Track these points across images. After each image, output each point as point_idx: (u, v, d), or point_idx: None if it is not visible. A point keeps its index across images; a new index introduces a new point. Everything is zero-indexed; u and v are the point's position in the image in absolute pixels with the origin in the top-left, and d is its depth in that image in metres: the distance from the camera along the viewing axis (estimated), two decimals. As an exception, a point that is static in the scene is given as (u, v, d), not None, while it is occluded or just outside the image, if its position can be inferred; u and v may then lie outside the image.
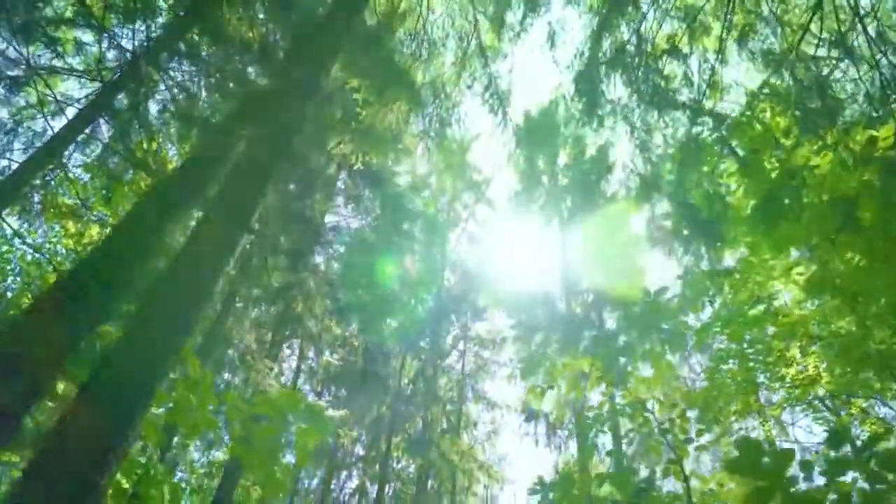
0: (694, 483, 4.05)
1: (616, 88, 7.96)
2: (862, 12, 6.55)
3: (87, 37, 9.99)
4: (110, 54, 9.80)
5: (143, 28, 8.76)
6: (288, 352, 17.76)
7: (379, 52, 7.43)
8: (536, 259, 23.14)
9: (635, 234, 15.15)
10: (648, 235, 14.17)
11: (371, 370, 15.46)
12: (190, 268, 3.24)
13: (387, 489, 16.91)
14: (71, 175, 10.00)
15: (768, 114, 6.17)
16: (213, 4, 7.44)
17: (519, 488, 21.60)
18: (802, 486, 1.94)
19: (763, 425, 9.63)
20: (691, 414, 4.16)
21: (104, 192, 10.61)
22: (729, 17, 7.74)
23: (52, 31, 8.95)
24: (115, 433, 2.53)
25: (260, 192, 3.84)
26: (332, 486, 18.99)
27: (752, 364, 7.99)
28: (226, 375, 13.04)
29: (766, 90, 6.94)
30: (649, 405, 4.13)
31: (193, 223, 4.02)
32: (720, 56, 7.82)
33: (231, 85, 9.07)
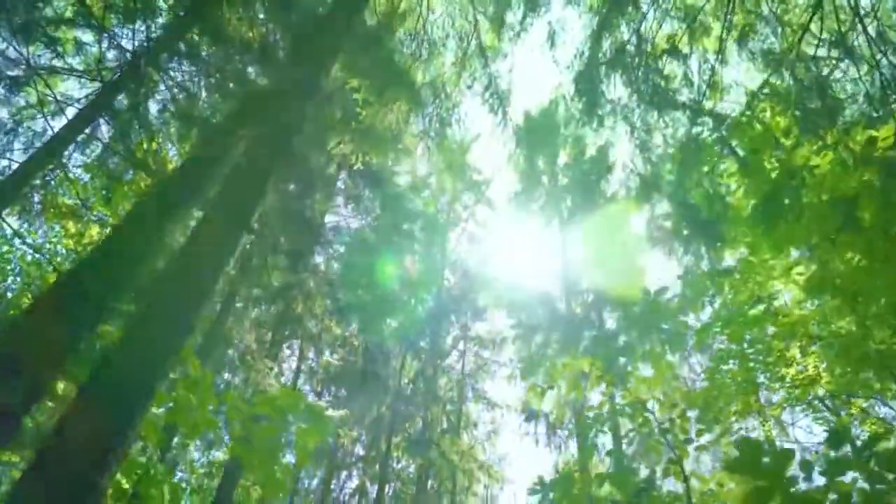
0: (694, 483, 4.04)
1: (616, 88, 7.96)
2: (862, 12, 6.56)
3: (87, 37, 9.98)
4: (110, 54, 9.80)
5: (143, 28, 8.76)
6: (288, 352, 17.76)
7: (379, 52, 7.42)
8: (536, 259, 23.19)
9: (635, 234, 15.15)
10: (648, 235, 14.17)
11: (371, 370, 15.46)
12: (190, 267, 3.23)
13: (387, 489, 16.90)
14: (71, 175, 10.00)
15: (768, 114, 6.17)
16: (213, 4, 7.44)
17: (519, 488, 21.61)
18: (802, 486, 1.94)
19: (763, 425, 9.64)
20: (691, 414, 4.16)
21: (104, 192, 10.61)
22: (729, 17, 7.74)
23: (52, 30, 8.95)
24: (115, 433, 2.53)
25: (260, 191, 3.84)
26: (332, 486, 18.99)
27: (752, 364, 7.99)
28: (226, 375, 13.05)
29: (765, 90, 6.94)
30: (649, 405, 4.13)
31: (193, 223, 4.02)
32: (720, 56, 7.82)
33: (231, 85, 9.07)
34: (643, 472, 4.05)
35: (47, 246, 12.35)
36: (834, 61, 7.03)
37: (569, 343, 13.15)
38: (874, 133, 3.88)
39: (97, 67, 8.88)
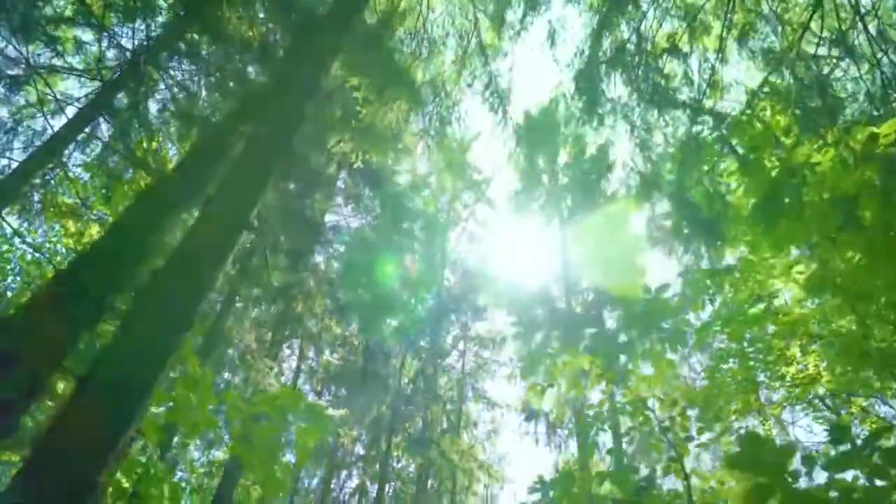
0: (694, 481, 4.04)
1: (616, 87, 7.96)
2: (862, 11, 6.55)
3: (86, 36, 9.99)
4: (110, 53, 9.80)
5: (142, 27, 8.76)
6: (288, 351, 17.77)
7: (379, 51, 7.42)
8: (537, 258, 23.18)
9: (635, 233, 15.15)
10: (648, 235, 14.17)
11: (371, 369, 15.46)
12: (189, 264, 3.22)
13: (387, 489, 16.91)
14: (71, 174, 10.00)
15: (768, 112, 6.17)
16: (212, 3, 7.43)
17: (519, 488, 21.57)
18: (804, 481, 1.94)
19: (763, 424, 9.63)
20: (692, 413, 4.16)
21: (104, 191, 10.61)
22: (729, 15, 7.73)
23: (51, 29, 8.95)
24: (114, 430, 2.52)
25: (260, 188, 3.83)
26: (332, 486, 18.99)
27: (752, 363, 7.99)
28: (226, 375, 13.05)
29: (766, 89, 6.93)
30: (650, 403, 4.13)
31: (193, 220, 4.01)
32: (720, 55, 7.81)
33: (231, 84, 9.07)
34: (643, 471, 4.05)
35: (47, 245, 12.35)
36: (834, 60, 7.02)
37: (569, 341, 13.15)
38: (875, 130, 3.87)
39: (97, 66, 8.88)
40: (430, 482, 17.36)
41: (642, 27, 7.98)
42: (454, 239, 21.15)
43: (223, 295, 11.62)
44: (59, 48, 9.31)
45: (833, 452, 2.23)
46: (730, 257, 8.55)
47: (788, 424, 11.44)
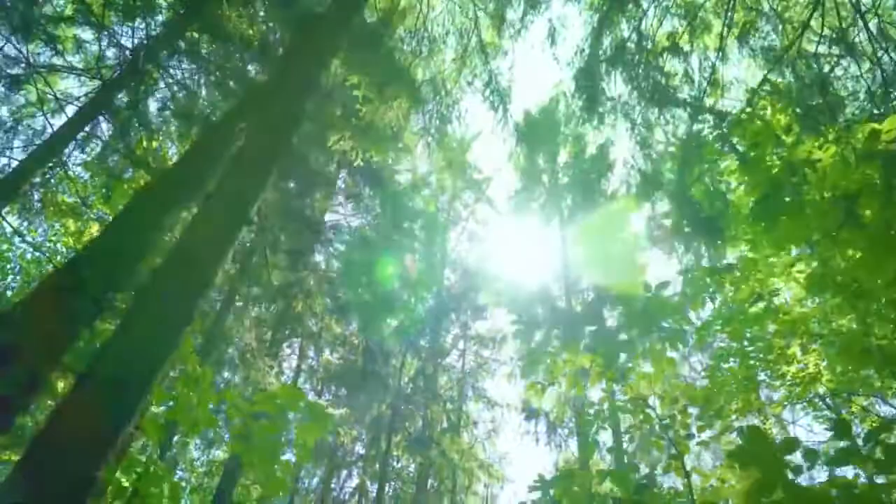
0: (695, 480, 4.03)
1: (616, 86, 7.95)
2: (863, 9, 6.54)
3: (86, 35, 10.00)
4: (110, 52, 9.81)
5: (142, 26, 8.76)
6: (288, 351, 17.77)
7: (379, 49, 7.42)
8: (537, 258, 23.17)
9: (635, 232, 15.15)
10: (649, 234, 14.16)
11: (371, 369, 15.45)
12: (189, 258, 3.22)
13: (387, 488, 16.91)
14: (71, 173, 10.01)
15: (769, 111, 6.15)
16: (212, 2, 7.43)
17: (519, 487, 21.57)
18: (805, 477, 1.93)
19: (764, 423, 9.63)
20: (693, 411, 4.15)
21: (104, 190, 10.62)
22: (730, 14, 7.72)
23: (51, 28, 8.95)
24: (114, 425, 2.51)
25: (261, 184, 3.82)
26: (333, 486, 18.98)
27: (752, 362, 7.98)
28: (226, 374, 13.04)
29: (766, 87, 6.92)
30: (650, 401, 4.12)
31: (193, 216, 4.01)
32: (721, 54, 7.80)
33: (231, 83, 9.07)
34: (644, 469, 4.04)
35: (47, 244, 12.35)
36: (835, 58, 7.02)
37: (569, 340, 13.14)
38: (877, 126, 3.86)
39: (97, 65, 8.88)
40: (430, 482, 17.36)
41: (643, 26, 7.98)
42: (454, 238, 21.18)
43: (223, 294, 11.62)
44: (59, 47, 9.32)
45: (833, 451, 2.23)
46: (730, 256, 8.55)
47: (789, 424, 11.45)
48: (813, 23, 6.94)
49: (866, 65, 6.76)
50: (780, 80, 7.40)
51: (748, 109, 6.25)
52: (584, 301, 15.92)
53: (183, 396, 3.93)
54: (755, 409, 8.71)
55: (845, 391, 8.10)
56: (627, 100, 7.87)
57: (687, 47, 8.20)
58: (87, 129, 9.20)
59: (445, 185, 20.18)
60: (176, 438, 13.31)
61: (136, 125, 9.06)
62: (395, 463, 17.90)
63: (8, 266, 13.52)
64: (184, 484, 15.23)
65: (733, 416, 8.15)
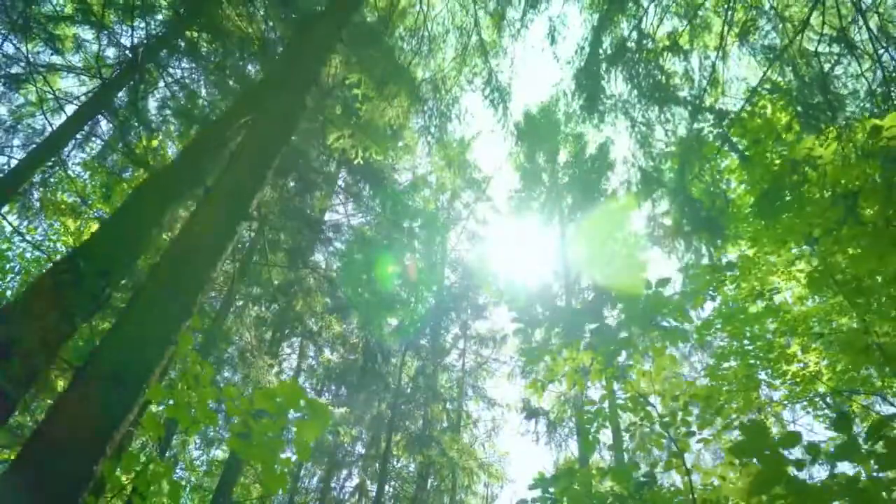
0: (695, 479, 4.02)
1: (617, 84, 7.95)
2: (863, 6, 6.53)
3: (86, 34, 10.01)
4: (110, 52, 9.81)
5: (142, 25, 8.76)
6: (288, 350, 17.77)
7: (379, 48, 7.42)
8: (537, 257, 23.18)
9: (636, 231, 15.16)
10: (649, 233, 14.18)
11: (371, 368, 15.45)
12: (189, 252, 3.21)
13: (387, 487, 16.89)
14: (70, 173, 10.02)
15: (769, 110, 6.16)
16: (212, 1, 7.43)
17: (519, 487, 21.60)
18: (805, 475, 1.92)
19: (765, 422, 9.61)
20: (694, 408, 4.14)
21: (104, 189, 10.63)
22: (730, 13, 7.72)
23: (51, 28, 8.95)
24: (112, 419, 2.50)
25: (260, 177, 3.81)
26: (332, 485, 18.97)
27: (752, 361, 7.98)
28: (226, 374, 13.03)
29: (766, 85, 6.92)
30: (651, 399, 4.11)
31: (192, 210, 4.00)
32: (721, 52, 7.80)
33: (231, 82, 9.07)
34: (644, 467, 4.04)
35: (47, 243, 12.34)
36: (835, 56, 7.00)
37: (570, 337, 13.14)
38: (878, 122, 3.85)
39: (96, 65, 8.87)
40: (430, 481, 17.34)
41: (643, 25, 7.97)
42: (454, 237, 21.16)
43: (223, 293, 11.62)
44: (59, 46, 9.32)
45: (833, 450, 2.22)
46: (731, 255, 8.55)
47: (789, 423, 11.43)
48: (813, 21, 6.92)
49: (867, 63, 6.74)
50: (780, 78, 7.40)
51: (748, 108, 6.25)
52: (585, 300, 15.91)
53: (182, 394, 3.92)
54: (756, 407, 8.71)
55: (846, 390, 8.10)
56: (628, 98, 7.87)
57: (687, 46, 8.19)
58: (86, 128, 9.21)
59: (445, 185, 20.18)
60: (176, 438, 13.31)
61: (136, 124, 9.05)
62: (394, 462, 17.89)
63: (7, 265, 13.52)
64: (184, 483, 15.23)
65: (734, 415, 8.15)
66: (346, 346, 15.84)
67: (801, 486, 1.85)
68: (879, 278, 5.07)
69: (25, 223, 10.39)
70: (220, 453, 16.40)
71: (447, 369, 19.76)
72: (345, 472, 19.24)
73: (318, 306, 12.28)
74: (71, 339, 2.88)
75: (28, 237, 11.50)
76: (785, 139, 5.39)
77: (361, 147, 7.81)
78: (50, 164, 9.13)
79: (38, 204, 9.95)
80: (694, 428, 3.99)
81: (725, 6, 7.81)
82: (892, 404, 8.68)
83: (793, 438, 1.90)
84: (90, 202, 11.05)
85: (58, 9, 9.27)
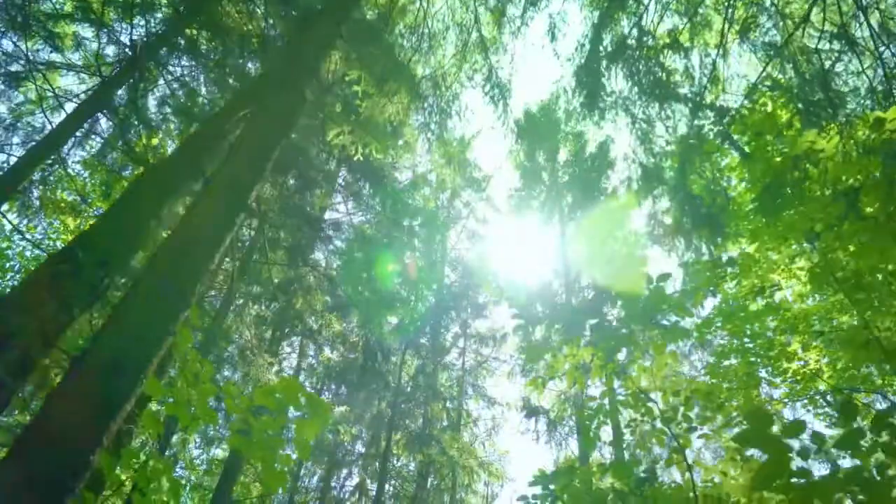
0: (697, 476, 4.01)
1: (617, 82, 7.94)
2: (864, 3, 6.51)
3: (86, 32, 10.00)
4: (109, 49, 9.81)
5: (142, 23, 8.75)
6: (288, 349, 17.77)
7: (379, 44, 7.41)
8: (537, 256, 23.17)
9: (636, 230, 15.15)
10: (649, 232, 14.17)
11: (371, 367, 15.43)
12: (188, 243, 3.19)
13: (387, 486, 16.88)
14: (70, 171, 10.00)
15: (770, 107, 6.14)
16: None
17: (519, 485, 21.58)
18: (810, 466, 1.91)
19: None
20: (695, 406, 4.13)
21: (103, 187, 10.61)
22: (730, 10, 7.71)
23: (51, 25, 8.94)
24: (108, 409, 2.48)
25: (260, 170, 3.80)
26: (332, 484, 18.96)
27: (753, 359, 7.98)
28: (226, 372, 13.02)
29: (767, 82, 6.91)
30: (652, 395, 4.10)
31: (191, 201, 3.99)
32: (721, 50, 7.78)
33: (231, 80, 9.06)
34: (645, 464, 4.03)
35: (46, 241, 12.33)
36: (836, 54, 6.99)
37: (570, 334, 13.12)
38: (881, 115, 3.83)
39: (96, 63, 8.86)
40: (430, 480, 17.34)
41: (643, 22, 7.96)
42: (454, 236, 21.15)
43: (223, 292, 11.61)
44: (59, 44, 9.31)
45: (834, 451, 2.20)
46: (731, 253, 8.54)
47: (789, 421, 11.40)
48: (814, 18, 6.91)
49: (868, 60, 6.73)
50: (780, 76, 7.38)
51: (749, 104, 6.24)
52: (585, 298, 15.91)
53: (182, 392, 3.91)
54: (756, 405, 8.69)
55: (846, 388, 8.09)
56: (628, 95, 7.86)
57: (688, 44, 8.19)
58: (86, 126, 9.19)
59: (445, 183, 20.15)
60: (175, 437, 13.30)
61: (136, 122, 9.04)
62: (395, 461, 17.88)
63: (7, 264, 13.51)
64: (184, 482, 15.22)
65: (734, 413, 8.14)
66: (346, 345, 15.82)
67: (805, 474, 1.84)
68: (880, 276, 5.07)
69: (25, 221, 10.38)
70: (220, 452, 16.41)
71: (447, 368, 19.76)
72: (345, 470, 19.24)
73: (318, 304, 12.27)
74: (69, 329, 2.87)
75: (28, 235, 11.48)
76: (786, 136, 5.38)
77: (361, 144, 7.80)
78: (49, 162, 9.12)
79: (37, 202, 9.94)
80: (695, 424, 3.98)
81: (726, 3, 7.80)
82: (892, 402, 8.67)
83: (798, 427, 1.89)
84: (90, 200, 11.04)
85: (57, 6, 9.26)
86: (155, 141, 9.92)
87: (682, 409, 3.90)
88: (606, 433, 11.21)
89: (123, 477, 3.94)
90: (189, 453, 16.19)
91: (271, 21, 8.13)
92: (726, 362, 8.26)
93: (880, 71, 6.54)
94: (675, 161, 7.51)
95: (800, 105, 6.31)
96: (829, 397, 8.83)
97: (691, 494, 3.74)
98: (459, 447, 15.96)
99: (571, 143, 17.89)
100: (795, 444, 1.93)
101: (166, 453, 11.32)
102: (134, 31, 8.52)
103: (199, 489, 16.43)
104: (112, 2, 8.87)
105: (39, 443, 2.30)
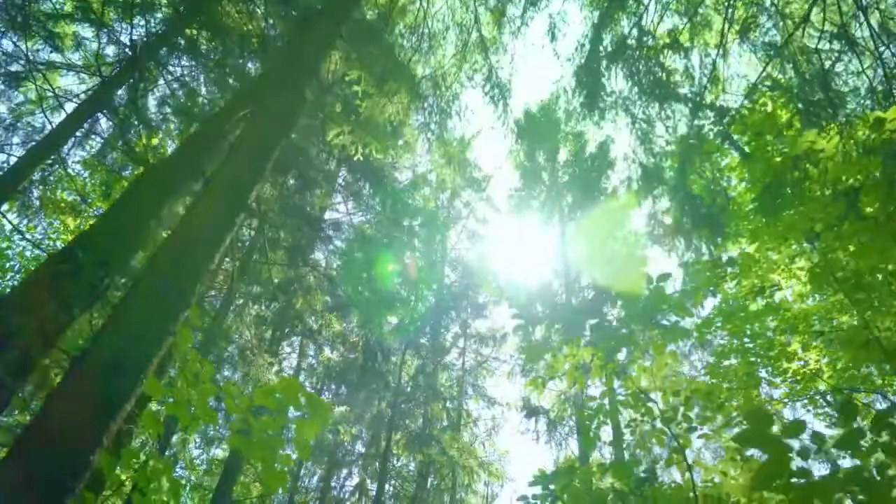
0: (697, 476, 4.01)
1: (617, 81, 7.94)
2: (864, 3, 6.51)
3: (86, 32, 10.00)
4: (109, 49, 9.81)
5: (142, 23, 8.75)
6: (288, 349, 17.76)
7: (379, 44, 7.41)
8: (537, 256, 23.18)
9: (636, 230, 15.15)
10: (649, 232, 14.17)
11: (371, 367, 15.43)
12: (188, 243, 3.19)
13: (387, 486, 16.88)
14: (70, 171, 10.01)
15: (770, 107, 6.14)
16: (211, -2, 7.43)
17: (519, 485, 21.58)
18: (809, 466, 1.91)
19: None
20: (695, 406, 4.13)
21: (103, 187, 10.62)
22: (730, 10, 7.71)
23: (51, 25, 8.94)
24: (108, 408, 2.48)
25: (260, 169, 3.79)
26: (332, 484, 18.96)
27: (753, 359, 7.98)
28: (226, 372, 13.02)
29: (767, 82, 6.91)
30: (652, 395, 4.10)
31: (191, 201, 3.99)
32: (721, 50, 7.79)
33: (230, 80, 9.06)
34: (645, 464, 4.03)
35: (46, 242, 12.33)
36: (836, 54, 6.99)
37: (570, 334, 13.12)
38: (881, 115, 3.83)
39: (96, 63, 8.86)
40: (430, 480, 17.34)
41: (643, 22, 7.96)
42: (454, 236, 21.15)
43: (223, 292, 11.61)
44: (59, 44, 9.31)
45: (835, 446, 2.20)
46: (731, 253, 8.54)
47: (789, 421, 11.40)
48: (814, 18, 6.91)
49: (868, 60, 6.73)
50: (780, 76, 7.38)
51: (749, 104, 6.24)
52: (585, 298, 15.91)
53: (182, 392, 3.91)
54: (756, 405, 8.69)
55: (846, 388, 8.09)
56: (628, 95, 7.86)
57: (688, 43, 8.19)
58: (86, 126, 9.20)
59: (445, 183, 20.15)
60: (175, 437, 13.30)
61: (136, 122, 9.04)
62: (395, 461, 17.88)
63: (7, 264, 13.52)
64: (184, 482, 15.22)
65: (734, 413, 8.13)
66: (346, 345, 15.82)
67: (806, 474, 1.84)
68: (880, 276, 5.07)
69: (25, 221, 10.38)
70: (220, 452, 16.41)
71: (447, 368, 19.75)
72: (345, 470, 19.25)
73: (318, 304, 12.27)
74: (69, 329, 2.86)
75: (28, 235, 11.48)
76: (786, 136, 5.38)
77: (361, 143, 7.80)
78: (49, 162, 9.12)
79: (37, 202, 9.94)
80: (695, 424, 3.98)
81: (726, 3, 7.80)
82: (892, 402, 8.67)
83: (798, 427, 1.89)
84: (90, 200, 11.04)
85: (57, 6, 9.26)
86: (155, 141, 9.92)
87: (682, 409, 3.90)
88: (606, 433, 11.22)
89: (123, 477, 3.94)
90: (189, 453, 16.19)
91: (271, 21, 8.13)
92: (726, 362, 8.26)
93: (880, 71, 6.54)
94: (675, 161, 7.51)
95: (800, 105, 6.31)
96: (829, 397, 8.83)
97: (691, 494, 3.74)
98: (459, 447, 15.96)
99: (571, 143, 17.89)
100: (795, 444, 1.93)
101: (166, 453, 11.32)
102: (134, 31, 8.52)
103: (199, 489, 16.43)
104: (112, 2, 8.87)
105: (39, 442, 2.29)
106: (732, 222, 7.26)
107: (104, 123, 9.66)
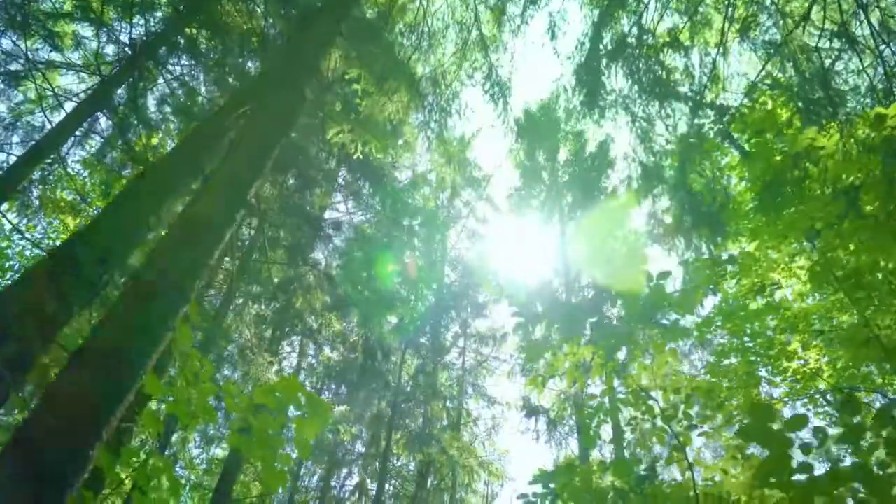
0: (697, 475, 4.01)
1: (617, 80, 7.94)
2: (865, 1, 6.50)
3: (85, 31, 9.99)
4: (109, 49, 9.79)
5: (141, 22, 8.74)
6: (288, 348, 17.76)
7: (379, 43, 7.41)
8: (537, 255, 23.17)
9: (636, 229, 15.15)
10: (649, 231, 14.16)
11: (371, 366, 15.43)
12: (187, 238, 3.19)
13: (387, 486, 16.88)
14: (70, 170, 10.00)
15: (770, 105, 6.14)
16: (211, -3, 7.42)
17: (519, 485, 21.56)
18: (812, 460, 1.90)
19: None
20: (695, 403, 4.13)
21: (103, 186, 10.61)
22: (730, 9, 7.70)
23: (50, 24, 8.93)
24: (107, 403, 2.47)
25: (260, 166, 3.79)
26: (332, 484, 18.97)
27: (753, 358, 7.98)
28: (226, 371, 13.02)
29: (767, 81, 6.90)
30: (652, 393, 4.10)
31: (191, 198, 3.99)
32: (721, 49, 7.78)
33: (230, 79, 9.06)
34: (645, 463, 4.02)
35: (46, 241, 12.33)
36: (836, 52, 6.98)
37: (570, 333, 13.11)
38: (882, 111, 3.82)
39: (96, 62, 8.85)
40: (430, 479, 17.34)
41: (643, 20, 7.95)
42: (454, 236, 21.13)
43: (223, 291, 11.60)
44: (58, 43, 9.31)
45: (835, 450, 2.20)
46: (731, 251, 8.54)
47: (789, 420, 11.38)
48: (814, 16, 6.90)
49: (868, 59, 6.72)
50: (780, 74, 7.38)
51: (748, 103, 6.23)
52: (585, 297, 15.90)
53: (182, 391, 3.90)
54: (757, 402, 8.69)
55: (846, 387, 8.09)
56: (628, 94, 7.85)
57: (688, 42, 8.18)
58: (85, 125, 9.19)
59: (445, 182, 20.14)
60: (175, 436, 13.30)
61: (135, 122, 9.03)
62: (394, 460, 17.88)
63: (7, 263, 13.51)
64: (183, 481, 15.22)
65: (734, 412, 8.13)
66: (346, 344, 15.81)
67: (807, 469, 1.83)
68: (880, 275, 5.06)
69: (24, 221, 10.37)
70: (219, 451, 16.41)
71: (447, 367, 19.74)
72: (345, 470, 19.25)
73: (317, 304, 12.26)
74: (68, 323, 2.86)
75: (27, 235, 11.48)
76: (786, 134, 5.38)
77: (361, 142, 7.80)
78: (49, 161, 9.11)
79: (37, 201, 9.93)
80: (696, 422, 3.98)
81: (726, 2, 7.79)
82: (892, 400, 8.67)
83: (800, 421, 1.88)
84: (89, 200, 11.04)
85: (57, 6, 9.26)
86: (154, 140, 9.92)
87: (682, 407, 3.90)
88: (607, 432, 11.22)
89: (123, 475, 3.94)
90: (189, 452, 16.20)
91: (271, 20, 8.12)
92: (726, 361, 8.27)
93: (880, 69, 6.53)
94: (675, 160, 7.51)
95: (800, 103, 6.30)
96: (829, 396, 8.83)
97: (692, 493, 3.74)
98: (459, 447, 15.95)
99: (571, 142, 17.89)
100: (797, 440, 1.92)
101: (166, 452, 11.32)
102: (133, 30, 8.51)
103: (199, 488, 16.43)
104: (112, 1, 8.86)
105: (38, 435, 2.29)
106: (732, 221, 7.26)
107: (104, 122, 9.66)
